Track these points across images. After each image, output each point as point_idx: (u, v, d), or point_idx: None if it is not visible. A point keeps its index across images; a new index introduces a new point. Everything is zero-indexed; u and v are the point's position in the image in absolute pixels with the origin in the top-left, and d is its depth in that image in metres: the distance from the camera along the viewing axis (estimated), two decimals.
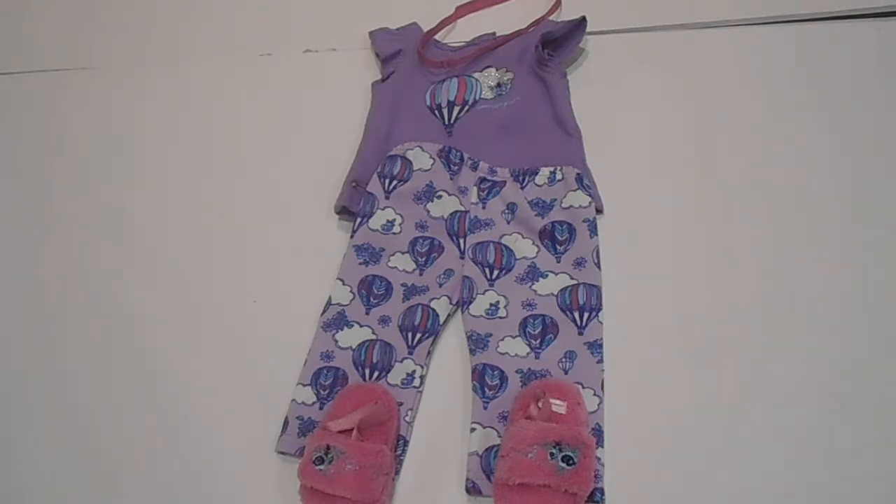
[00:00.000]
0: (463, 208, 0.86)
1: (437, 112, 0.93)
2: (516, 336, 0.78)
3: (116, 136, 1.03)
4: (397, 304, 0.81)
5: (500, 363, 0.76)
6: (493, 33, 1.00)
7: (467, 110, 0.93)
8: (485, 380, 0.75)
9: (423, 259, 0.84)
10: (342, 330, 0.80)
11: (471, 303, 0.80)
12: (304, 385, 0.77)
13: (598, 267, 0.80)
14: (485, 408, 0.74)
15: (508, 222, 0.84)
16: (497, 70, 0.95)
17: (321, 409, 0.76)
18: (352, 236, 0.86)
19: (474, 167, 0.88)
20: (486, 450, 0.72)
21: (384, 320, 0.80)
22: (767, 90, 0.92)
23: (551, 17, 0.99)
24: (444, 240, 0.84)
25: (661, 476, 0.71)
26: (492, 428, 0.73)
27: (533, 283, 0.80)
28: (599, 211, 0.84)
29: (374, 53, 1.02)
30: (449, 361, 0.79)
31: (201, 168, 0.98)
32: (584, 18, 0.94)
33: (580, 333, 0.77)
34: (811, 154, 0.87)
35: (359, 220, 0.86)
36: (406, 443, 0.75)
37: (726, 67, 0.95)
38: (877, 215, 0.82)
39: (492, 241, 0.83)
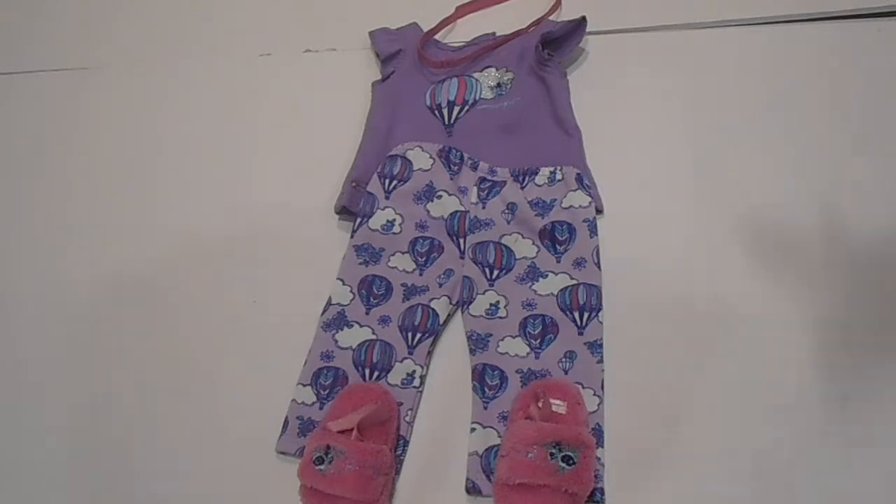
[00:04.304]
0: (463, 208, 0.86)
1: (437, 112, 0.93)
2: (516, 336, 0.78)
3: (116, 136, 1.03)
4: (397, 304, 0.81)
5: (500, 363, 0.76)
6: (493, 33, 1.00)
7: (467, 110, 0.93)
8: (485, 380, 0.75)
9: (423, 259, 0.84)
10: (342, 330, 0.80)
11: (471, 303, 0.80)
12: (304, 385, 0.77)
13: (598, 267, 0.80)
14: (485, 408, 0.74)
15: (508, 222, 0.84)
16: (497, 70, 0.95)
17: (321, 409, 0.76)
18: (352, 236, 0.85)
19: (474, 167, 0.88)
20: (486, 450, 0.72)
21: (384, 320, 0.80)
22: (767, 90, 0.92)
23: (551, 17, 0.99)
24: (444, 240, 0.84)
25: (661, 476, 0.71)
26: (492, 428, 0.73)
27: (533, 283, 0.80)
28: (599, 211, 0.84)
29: (374, 53, 1.02)
30: (449, 361, 0.79)
31: (201, 168, 0.98)
32: (584, 18, 0.94)
33: (580, 333, 0.77)
34: (810, 154, 0.87)
35: (359, 220, 0.86)
36: (406, 443, 0.75)
37: (726, 67, 0.95)
38: (877, 215, 0.82)
39: (492, 241, 0.83)
